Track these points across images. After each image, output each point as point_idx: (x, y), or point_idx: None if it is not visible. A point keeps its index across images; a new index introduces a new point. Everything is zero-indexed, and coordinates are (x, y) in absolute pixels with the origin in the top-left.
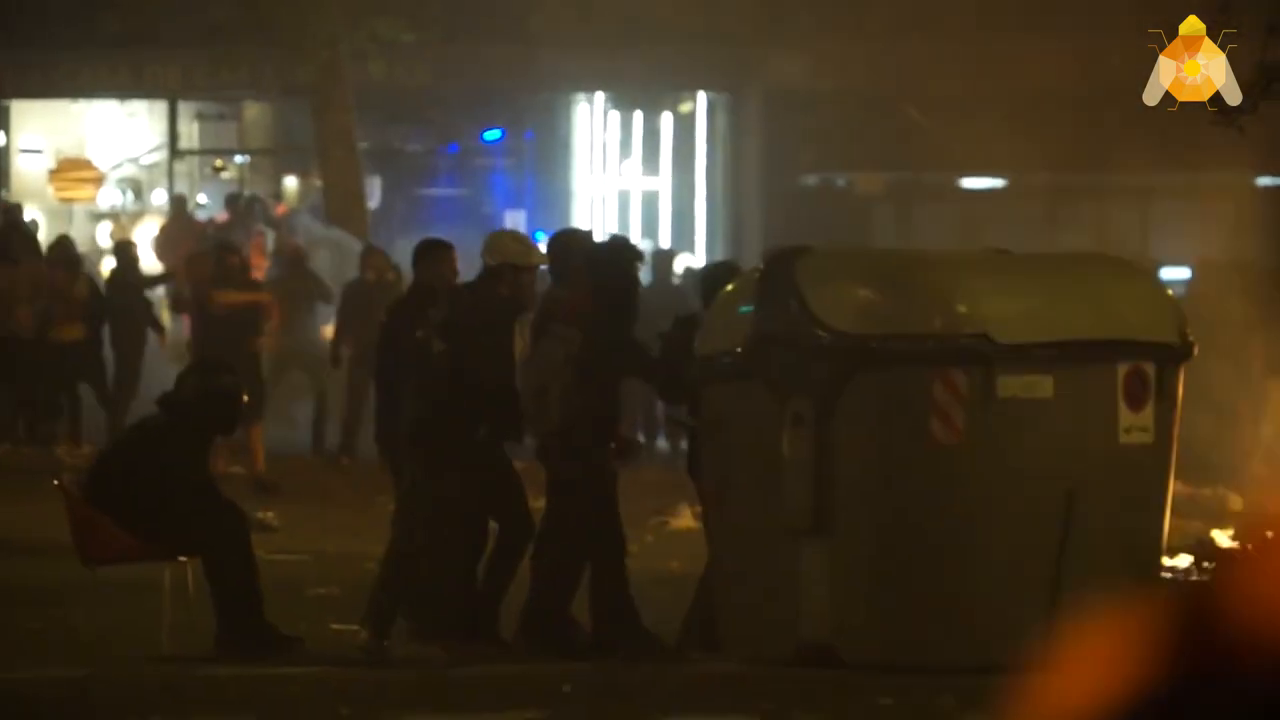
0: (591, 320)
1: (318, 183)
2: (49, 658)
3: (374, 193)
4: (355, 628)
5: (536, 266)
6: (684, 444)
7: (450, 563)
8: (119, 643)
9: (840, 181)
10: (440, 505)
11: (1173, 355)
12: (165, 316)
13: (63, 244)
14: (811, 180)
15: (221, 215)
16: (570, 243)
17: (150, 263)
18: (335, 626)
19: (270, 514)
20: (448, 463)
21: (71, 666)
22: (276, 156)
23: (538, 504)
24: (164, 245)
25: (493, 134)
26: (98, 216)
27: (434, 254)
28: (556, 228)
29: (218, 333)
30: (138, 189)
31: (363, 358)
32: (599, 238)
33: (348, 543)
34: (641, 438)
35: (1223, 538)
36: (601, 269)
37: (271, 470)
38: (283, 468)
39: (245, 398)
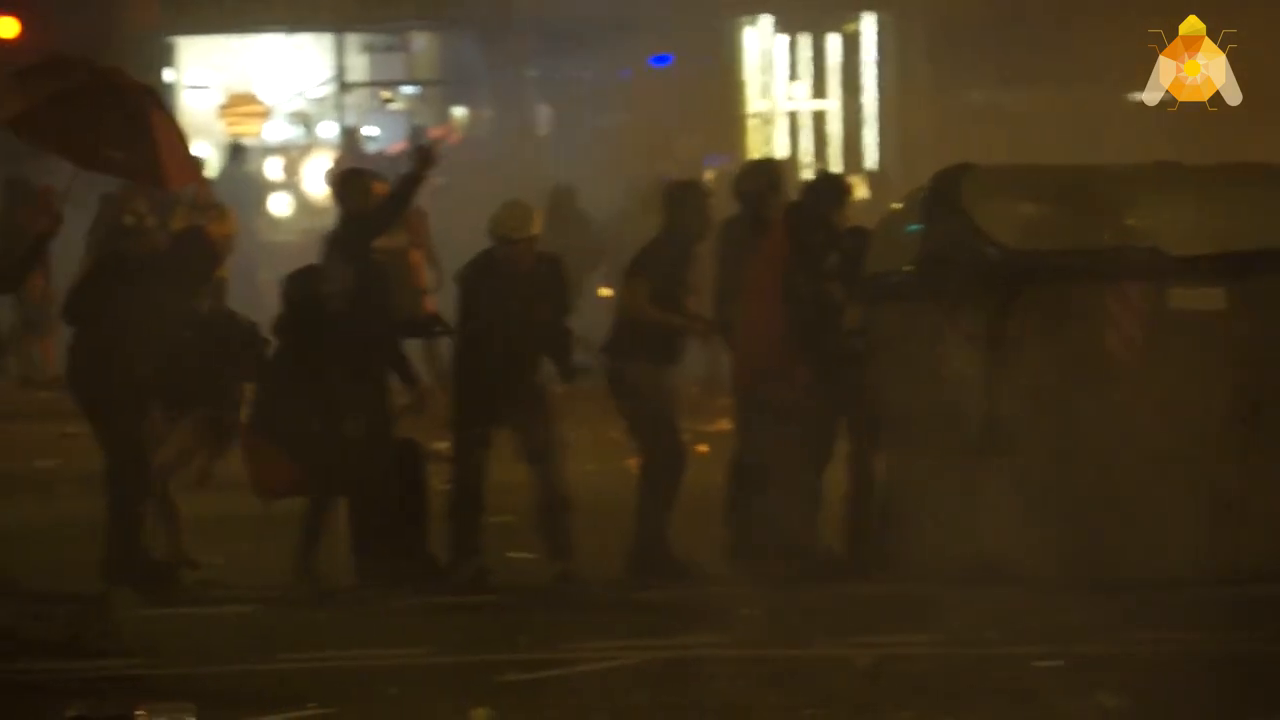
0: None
1: (488, 113)
2: (228, 593)
3: (544, 121)
4: (533, 555)
5: (531, 237)
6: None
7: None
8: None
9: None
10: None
11: None
12: None
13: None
14: (979, 97)
15: (396, 145)
16: (761, 173)
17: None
18: (511, 554)
19: (445, 444)
20: None
21: (245, 602)
22: (445, 87)
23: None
24: None
25: (661, 60)
26: (267, 151)
27: None
28: (726, 151)
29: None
30: (306, 123)
31: None
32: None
33: (518, 470)
34: None
35: None
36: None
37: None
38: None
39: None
